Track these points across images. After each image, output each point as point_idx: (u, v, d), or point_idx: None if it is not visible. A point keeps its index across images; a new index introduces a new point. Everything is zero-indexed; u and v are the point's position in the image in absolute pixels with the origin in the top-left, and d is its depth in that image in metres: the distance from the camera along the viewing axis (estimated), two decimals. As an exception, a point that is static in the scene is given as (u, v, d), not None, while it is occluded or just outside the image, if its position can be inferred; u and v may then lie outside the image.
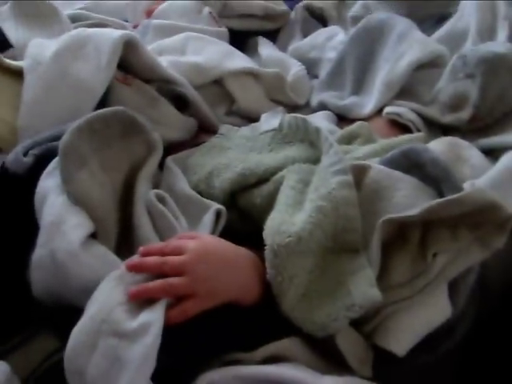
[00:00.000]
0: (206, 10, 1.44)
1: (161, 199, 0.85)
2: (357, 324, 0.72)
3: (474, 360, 0.80)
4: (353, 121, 1.10)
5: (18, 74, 1.00)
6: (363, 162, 0.83)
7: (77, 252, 0.72)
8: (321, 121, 1.18)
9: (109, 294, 0.66)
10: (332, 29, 1.51)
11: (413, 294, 0.72)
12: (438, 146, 0.98)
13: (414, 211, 0.72)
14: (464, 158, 0.97)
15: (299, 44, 1.50)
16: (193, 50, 1.23)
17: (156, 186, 0.91)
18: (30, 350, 0.75)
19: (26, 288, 0.77)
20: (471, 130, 1.12)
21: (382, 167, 0.81)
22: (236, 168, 0.88)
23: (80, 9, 1.48)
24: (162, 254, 0.70)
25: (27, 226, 0.79)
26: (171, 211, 0.83)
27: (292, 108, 1.29)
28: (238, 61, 1.25)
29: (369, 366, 0.73)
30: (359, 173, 0.79)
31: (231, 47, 1.32)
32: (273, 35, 1.58)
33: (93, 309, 0.65)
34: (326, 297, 0.71)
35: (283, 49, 1.51)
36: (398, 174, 0.80)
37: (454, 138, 1.03)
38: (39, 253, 0.75)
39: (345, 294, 0.70)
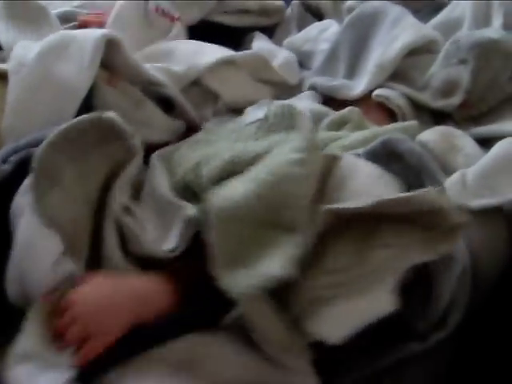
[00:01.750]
0: (152, 6, 1.36)
1: (127, 210, 0.85)
2: (285, 308, 0.73)
3: (469, 349, 0.80)
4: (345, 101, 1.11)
5: (3, 77, 1.00)
6: (335, 152, 0.83)
7: (45, 277, 0.75)
8: (305, 100, 1.19)
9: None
10: (326, 22, 1.52)
11: (347, 282, 0.71)
12: (432, 136, 0.98)
13: (353, 204, 0.72)
14: (458, 147, 0.97)
15: (293, 38, 1.50)
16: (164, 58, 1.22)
17: (141, 184, 0.91)
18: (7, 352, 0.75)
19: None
20: (465, 119, 1.13)
21: (352, 157, 0.82)
22: (224, 156, 0.88)
23: (76, 7, 1.44)
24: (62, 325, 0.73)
25: (5, 231, 0.79)
26: (139, 221, 0.84)
27: (285, 89, 1.29)
28: (210, 54, 1.23)
29: (294, 355, 0.73)
30: (330, 162, 0.80)
31: (200, 43, 1.29)
32: (270, 31, 1.57)
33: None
34: (250, 263, 0.72)
35: (279, 45, 1.50)
36: (362, 163, 0.80)
37: (448, 128, 1.04)
38: (12, 270, 0.77)
39: (262, 263, 0.71)
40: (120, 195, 0.84)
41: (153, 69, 1.13)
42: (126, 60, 1.06)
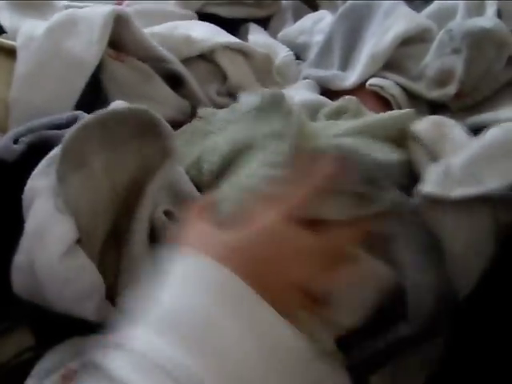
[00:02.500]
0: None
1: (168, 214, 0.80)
2: None
3: (463, 335, 0.77)
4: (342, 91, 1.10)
5: (11, 53, 1.01)
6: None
7: (55, 267, 0.69)
8: (302, 90, 1.19)
9: None
10: (319, 13, 1.52)
11: None
12: (424, 125, 0.95)
13: None
14: (447, 136, 0.93)
15: (287, 30, 1.50)
16: (184, 29, 1.23)
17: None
18: (4, 342, 0.74)
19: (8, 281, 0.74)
20: (461, 109, 1.12)
21: None
22: (222, 150, 0.88)
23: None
24: None
25: (15, 216, 0.75)
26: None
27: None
28: (229, 37, 1.25)
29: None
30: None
31: (221, 29, 1.31)
32: (264, 23, 1.58)
33: None
34: None
35: (274, 37, 1.51)
36: None
37: (440, 117, 0.99)
38: (20, 258, 0.72)
39: None
40: (157, 199, 0.79)
41: (165, 35, 1.15)
42: (135, 36, 1.07)
